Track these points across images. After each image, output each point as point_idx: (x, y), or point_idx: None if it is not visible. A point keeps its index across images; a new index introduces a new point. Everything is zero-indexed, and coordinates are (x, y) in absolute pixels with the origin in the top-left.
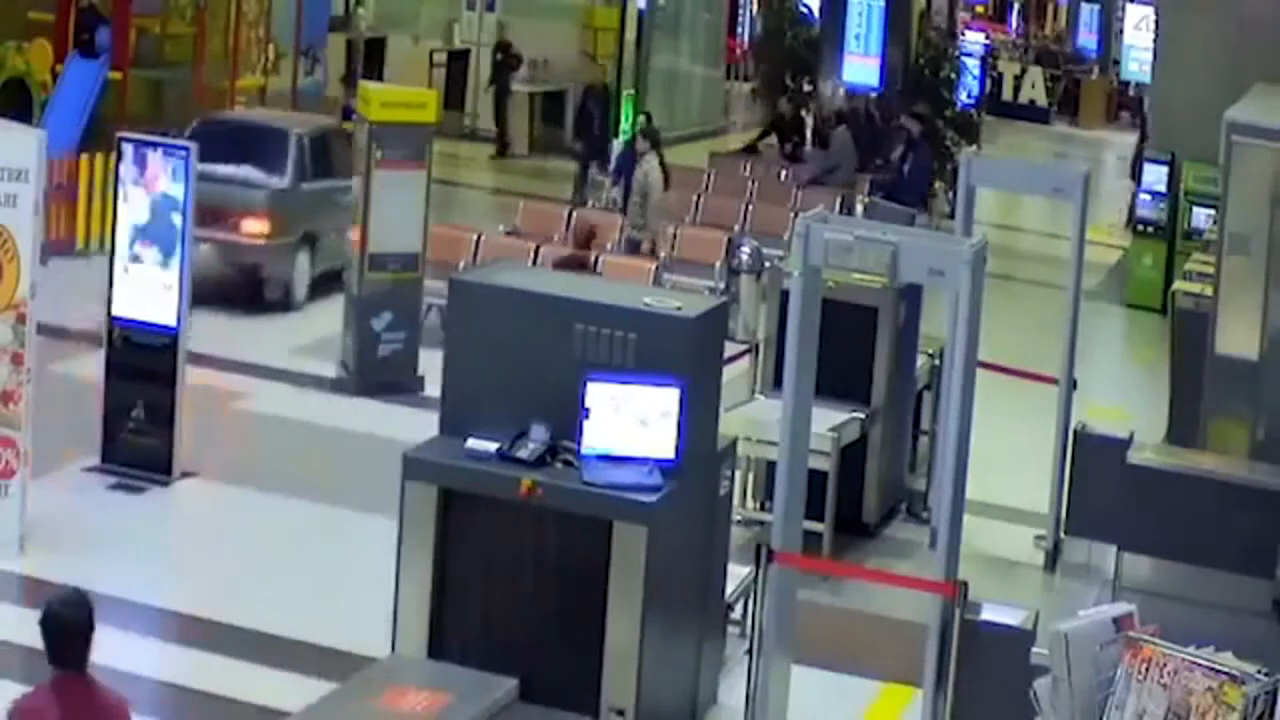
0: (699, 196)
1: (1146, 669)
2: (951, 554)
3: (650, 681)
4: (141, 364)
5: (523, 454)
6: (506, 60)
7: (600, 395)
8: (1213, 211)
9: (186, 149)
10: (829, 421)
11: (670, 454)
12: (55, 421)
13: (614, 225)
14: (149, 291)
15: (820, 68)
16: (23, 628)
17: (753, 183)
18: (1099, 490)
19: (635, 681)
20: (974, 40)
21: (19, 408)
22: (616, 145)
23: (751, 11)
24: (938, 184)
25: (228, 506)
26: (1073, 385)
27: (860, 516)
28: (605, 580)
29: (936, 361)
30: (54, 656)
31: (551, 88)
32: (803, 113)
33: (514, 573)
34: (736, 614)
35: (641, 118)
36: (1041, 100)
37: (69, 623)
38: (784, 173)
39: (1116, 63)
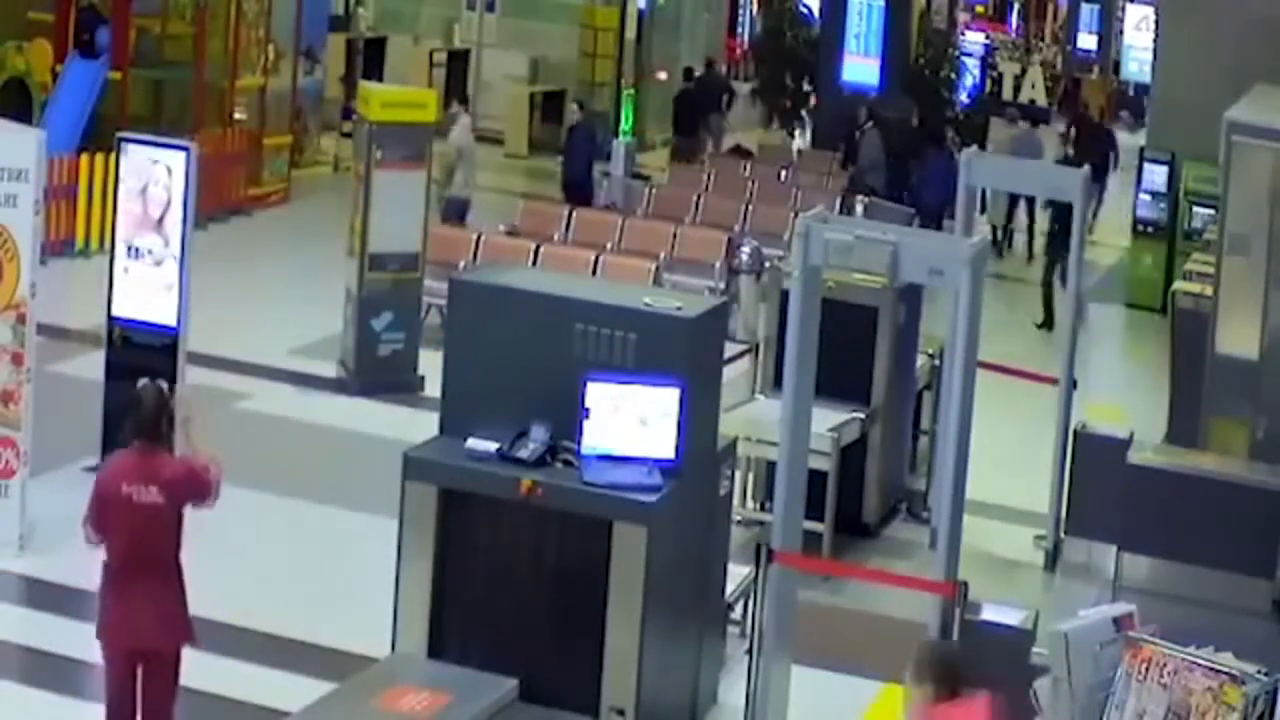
0: (699, 196)
1: (1146, 669)
2: (951, 554)
3: (650, 681)
4: (141, 364)
5: (523, 454)
6: None
7: (600, 395)
8: (1213, 211)
9: (187, 148)
10: (829, 421)
11: (670, 454)
12: (55, 421)
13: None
14: (149, 291)
15: (820, 68)
16: (23, 628)
17: (753, 183)
18: (1099, 490)
19: (635, 681)
20: (974, 40)
21: (19, 408)
22: (618, 145)
23: (751, 11)
24: None
25: (227, 507)
26: (1073, 385)
27: (860, 516)
28: (605, 580)
29: (936, 361)
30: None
31: (552, 87)
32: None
33: (514, 573)
34: (736, 614)
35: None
36: (1041, 100)
37: (132, 401)
38: (783, 173)
39: (1116, 63)
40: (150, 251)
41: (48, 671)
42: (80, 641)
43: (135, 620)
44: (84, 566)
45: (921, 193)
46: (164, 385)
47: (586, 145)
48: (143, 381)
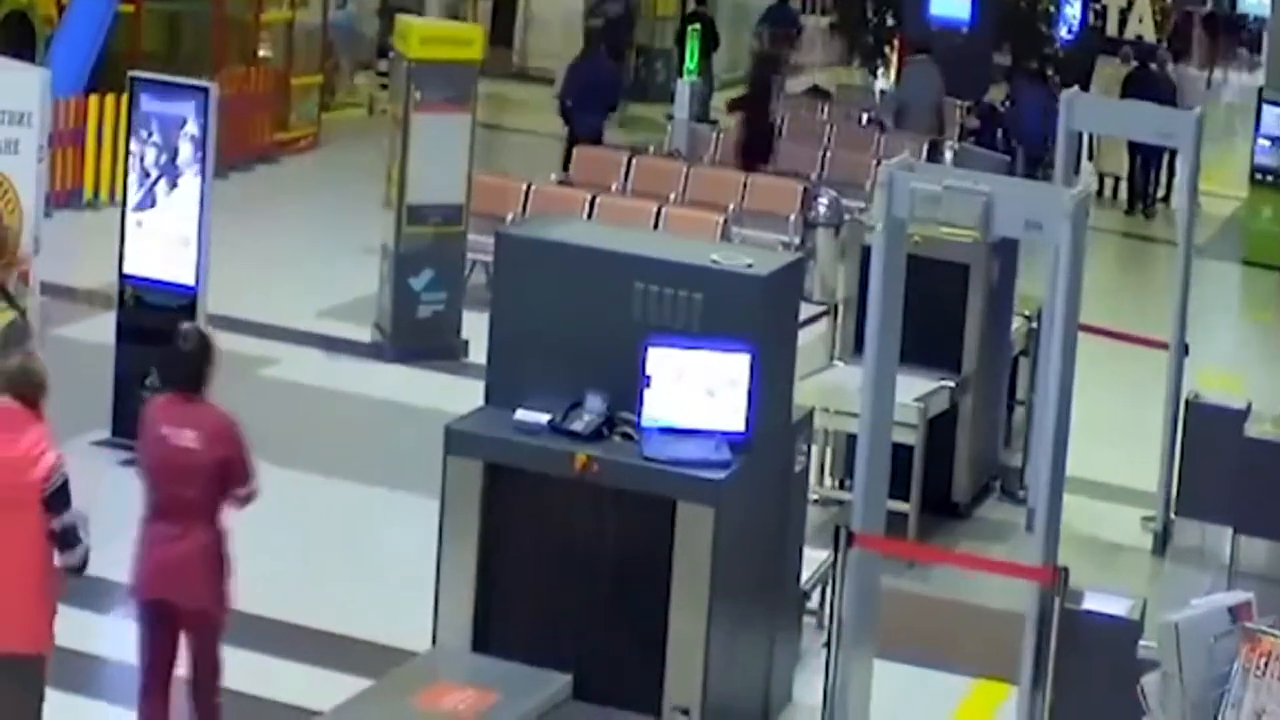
0: (772, 142)
1: (1266, 663)
2: (1050, 537)
3: (717, 677)
4: (156, 327)
5: (577, 426)
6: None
7: (662, 362)
8: None
9: (206, 89)
10: (915, 390)
11: (740, 426)
12: (61, 390)
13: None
14: (165, 247)
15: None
16: None
17: (830, 127)
18: (1213, 466)
19: (701, 677)
20: None
21: None
22: (682, 86)
23: None
24: None
25: None
26: (1184, 351)
27: (949, 495)
28: (668, 565)
29: (1034, 324)
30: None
31: (617, 13)
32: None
33: (567, 557)
34: (813, 603)
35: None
36: (1150, 36)
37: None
38: (863, 116)
39: None
40: None
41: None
42: (85, 633)
43: (156, 570)
44: (94, 552)
45: (1018, 131)
46: (208, 331)
47: (605, 88)
48: (186, 325)
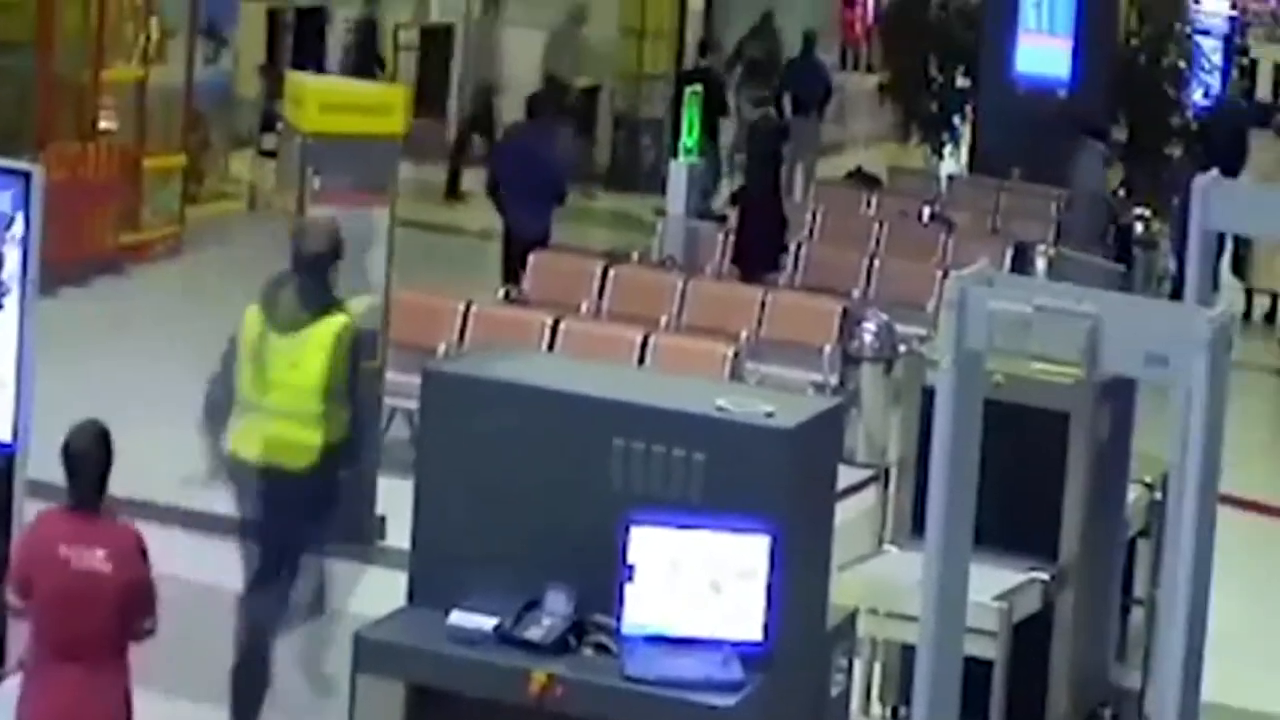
0: (800, 246)
1: None
2: None
3: None
4: None
5: (534, 634)
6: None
7: (650, 546)
8: None
9: (27, 174)
10: (995, 585)
11: (756, 634)
12: None
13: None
14: None
15: (981, 52)
16: None
17: (880, 225)
18: None
19: None
20: (1213, 12)
21: None
22: (677, 169)
23: None
24: (1156, 227)
25: None
26: None
27: None
28: None
29: (1157, 495)
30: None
31: (579, 82)
32: None
33: None
34: None
35: None
36: None
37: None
38: (925, 211)
39: None
40: None
41: None
42: None
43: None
44: None
45: None
46: (104, 426)
47: (545, 170)
48: (80, 421)
